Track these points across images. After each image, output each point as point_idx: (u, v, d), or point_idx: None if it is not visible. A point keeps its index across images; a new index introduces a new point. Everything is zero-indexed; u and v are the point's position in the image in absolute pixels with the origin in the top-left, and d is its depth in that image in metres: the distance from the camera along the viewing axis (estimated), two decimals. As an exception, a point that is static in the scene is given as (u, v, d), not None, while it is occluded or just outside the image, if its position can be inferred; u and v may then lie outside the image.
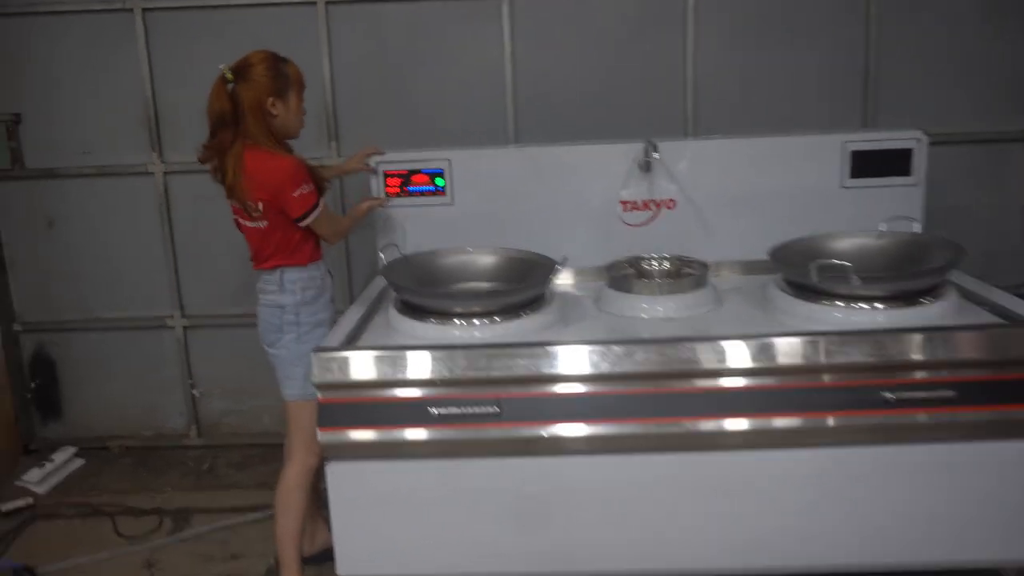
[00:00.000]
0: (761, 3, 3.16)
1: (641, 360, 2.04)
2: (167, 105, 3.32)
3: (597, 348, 2.04)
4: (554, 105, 3.19)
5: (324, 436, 2.09)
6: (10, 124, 3.34)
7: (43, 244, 3.46)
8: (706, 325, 2.29)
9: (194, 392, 3.55)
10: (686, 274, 2.55)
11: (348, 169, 2.80)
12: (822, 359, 2.02)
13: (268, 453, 3.38)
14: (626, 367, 2.03)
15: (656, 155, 2.47)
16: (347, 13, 3.22)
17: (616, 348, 2.04)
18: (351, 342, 2.21)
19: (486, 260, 2.56)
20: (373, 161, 2.75)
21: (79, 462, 3.50)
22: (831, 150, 2.72)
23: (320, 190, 2.38)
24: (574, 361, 2.05)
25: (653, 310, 2.38)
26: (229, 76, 2.28)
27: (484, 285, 2.52)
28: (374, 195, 2.76)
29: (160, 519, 3.09)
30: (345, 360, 2.07)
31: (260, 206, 2.31)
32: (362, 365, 2.08)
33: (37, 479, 3.31)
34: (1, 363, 3.51)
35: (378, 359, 2.08)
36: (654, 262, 2.65)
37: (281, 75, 2.32)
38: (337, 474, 2.12)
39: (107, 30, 3.27)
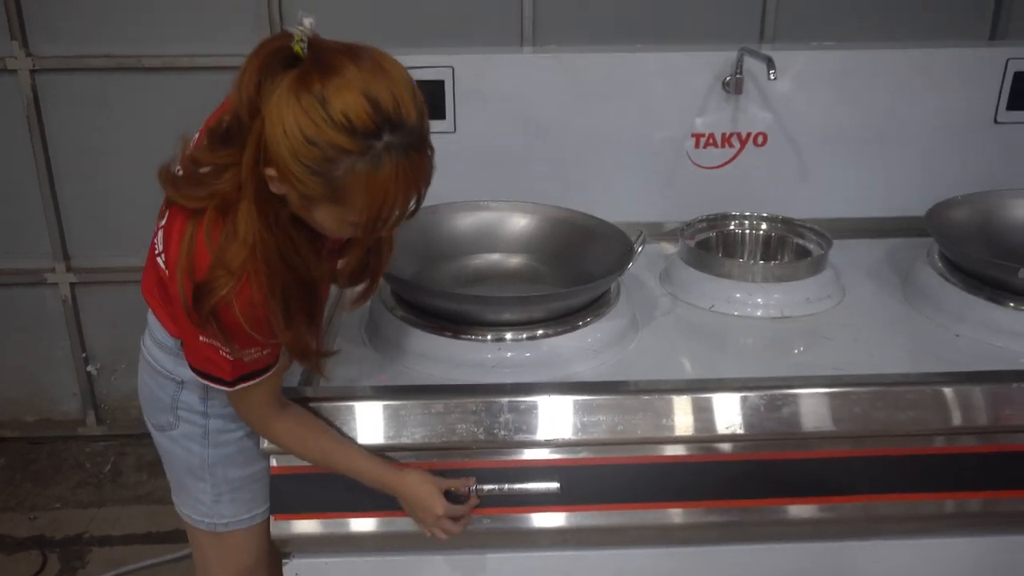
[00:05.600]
0: None
1: (794, 413, 1.28)
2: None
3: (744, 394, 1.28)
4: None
5: (279, 528, 1.30)
6: None
7: None
8: (842, 330, 1.54)
9: (89, 368, 2.68)
10: (797, 247, 1.79)
11: None
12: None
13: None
14: (775, 425, 1.28)
15: (773, 74, 1.64)
16: None
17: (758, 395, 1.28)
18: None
19: (518, 223, 1.72)
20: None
21: (-64, 460, 2.65)
22: (987, 68, 1.94)
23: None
24: (690, 410, 1.29)
25: (752, 302, 1.63)
26: (299, 46, 0.97)
27: (515, 261, 1.71)
28: None
29: (43, 557, 2.28)
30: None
31: None
32: (333, 414, 1.28)
33: None
34: None
35: (346, 411, 1.28)
36: (745, 223, 1.87)
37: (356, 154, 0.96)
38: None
39: None
